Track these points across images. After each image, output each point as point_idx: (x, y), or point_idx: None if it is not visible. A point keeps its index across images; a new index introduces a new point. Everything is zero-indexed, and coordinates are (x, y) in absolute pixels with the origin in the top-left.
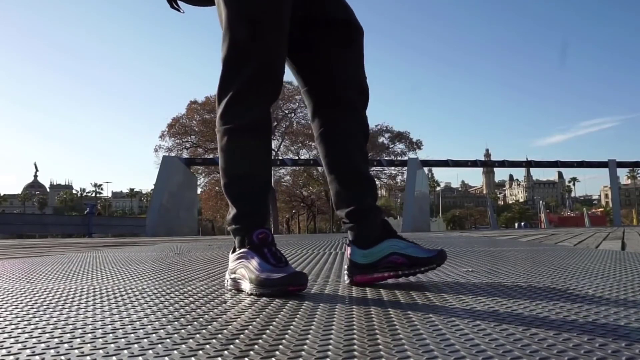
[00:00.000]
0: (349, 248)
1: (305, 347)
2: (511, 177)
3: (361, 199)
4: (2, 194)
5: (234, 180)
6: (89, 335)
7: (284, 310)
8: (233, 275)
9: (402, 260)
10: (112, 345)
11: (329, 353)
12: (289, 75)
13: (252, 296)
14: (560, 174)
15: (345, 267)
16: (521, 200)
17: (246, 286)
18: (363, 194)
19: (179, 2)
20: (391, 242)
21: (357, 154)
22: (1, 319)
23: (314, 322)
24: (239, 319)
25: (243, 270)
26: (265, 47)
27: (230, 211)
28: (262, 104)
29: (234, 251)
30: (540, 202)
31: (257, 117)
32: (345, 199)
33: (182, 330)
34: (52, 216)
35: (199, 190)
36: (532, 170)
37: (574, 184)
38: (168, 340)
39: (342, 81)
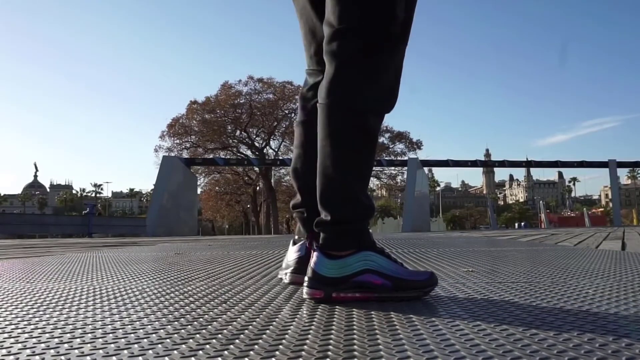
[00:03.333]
0: (314, 254)
1: (305, 347)
2: (511, 177)
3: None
4: (2, 194)
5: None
6: (89, 335)
7: (284, 310)
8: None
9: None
10: (112, 345)
11: (329, 353)
12: (288, 75)
13: (252, 296)
14: (560, 174)
15: (306, 278)
16: (521, 200)
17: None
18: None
19: None
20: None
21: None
22: (1, 319)
23: (314, 322)
24: (239, 319)
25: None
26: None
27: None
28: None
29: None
30: (540, 202)
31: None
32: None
33: (182, 330)
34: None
35: (199, 191)
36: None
37: (574, 184)
38: (168, 340)
39: None
